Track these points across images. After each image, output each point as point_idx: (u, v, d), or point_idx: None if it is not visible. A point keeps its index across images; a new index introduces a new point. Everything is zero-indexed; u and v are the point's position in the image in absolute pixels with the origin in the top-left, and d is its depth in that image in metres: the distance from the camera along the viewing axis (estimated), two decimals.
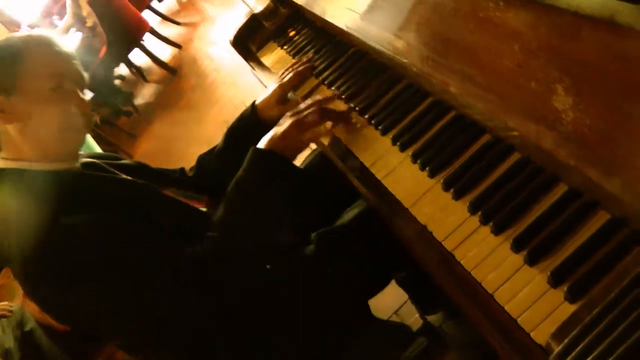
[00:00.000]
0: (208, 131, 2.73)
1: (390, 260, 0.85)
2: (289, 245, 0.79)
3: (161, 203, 0.76)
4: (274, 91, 0.93)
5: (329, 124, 0.83)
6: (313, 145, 0.93)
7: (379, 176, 0.74)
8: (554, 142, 0.53)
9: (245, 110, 0.95)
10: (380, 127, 0.79)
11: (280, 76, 0.98)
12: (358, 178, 0.76)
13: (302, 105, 0.83)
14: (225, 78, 3.08)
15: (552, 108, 0.52)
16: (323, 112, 0.80)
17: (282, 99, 0.94)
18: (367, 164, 0.76)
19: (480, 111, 0.65)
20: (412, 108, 0.78)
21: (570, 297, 0.48)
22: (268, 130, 0.80)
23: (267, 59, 1.18)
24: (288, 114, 0.81)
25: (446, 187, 0.65)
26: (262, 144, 0.78)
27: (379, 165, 0.75)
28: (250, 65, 1.20)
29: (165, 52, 3.72)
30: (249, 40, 1.24)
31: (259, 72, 1.16)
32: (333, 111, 0.83)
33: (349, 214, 0.88)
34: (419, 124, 0.75)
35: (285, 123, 0.79)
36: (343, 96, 0.89)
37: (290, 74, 0.96)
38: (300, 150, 0.79)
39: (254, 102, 0.95)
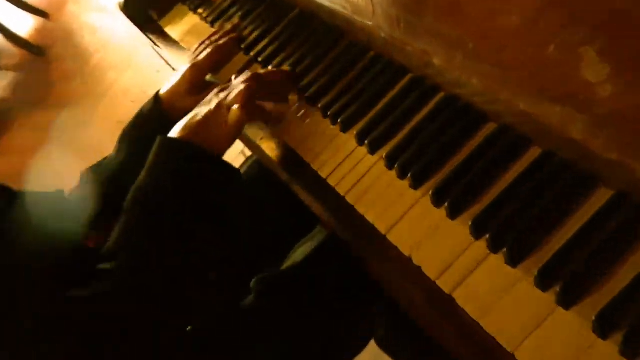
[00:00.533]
0: (93, 137, 2.66)
1: (364, 313, 0.84)
2: (222, 284, 0.78)
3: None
4: (185, 75, 0.92)
5: (269, 105, 0.82)
6: (248, 152, 0.92)
7: (340, 191, 0.72)
8: (586, 129, 0.51)
9: (146, 105, 0.93)
10: (339, 121, 0.77)
11: (194, 53, 0.97)
12: (312, 195, 0.75)
13: (234, 80, 0.82)
14: (116, 59, 3.02)
15: (582, 81, 0.51)
16: (262, 86, 0.80)
17: (197, 86, 0.92)
18: (322, 175, 0.75)
19: (479, 91, 0.64)
20: (382, 91, 0.77)
21: (630, 353, 0.47)
22: None
23: (174, 30, 1.17)
24: (215, 91, 0.82)
25: (437, 200, 0.64)
26: (174, 131, 0.77)
27: (339, 175, 0.73)
28: (151, 39, 1.18)
29: (24, 24, 3.58)
30: (148, 4, 1.22)
31: (163, 49, 1.15)
32: (276, 84, 0.83)
33: (301, 250, 0.86)
34: (393, 114, 0.74)
35: (209, 102, 0.79)
36: None
37: (208, 50, 0.95)
38: (231, 141, 0.78)
39: (157, 92, 0.94)
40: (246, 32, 1.00)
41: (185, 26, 1.15)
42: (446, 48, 0.65)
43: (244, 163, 1.05)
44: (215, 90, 0.82)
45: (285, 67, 0.90)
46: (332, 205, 0.73)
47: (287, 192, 0.80)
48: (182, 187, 0.73)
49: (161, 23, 1.20)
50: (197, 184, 0.74)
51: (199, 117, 0.77)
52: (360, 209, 0.69)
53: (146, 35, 1.21)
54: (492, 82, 0.61)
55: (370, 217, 0.68)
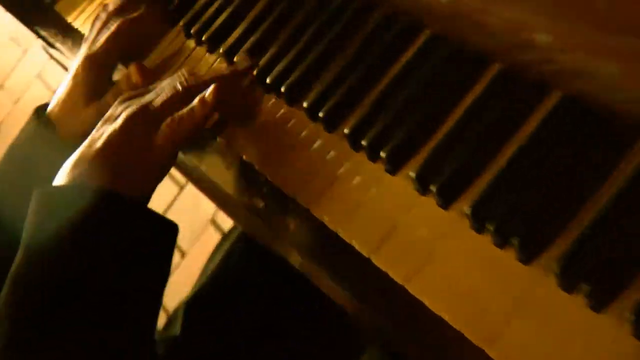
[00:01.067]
0: None
1: None
2: None
3: None
4: (78, 73, 0.97)
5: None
6: (225, 222, 0.95)
7: (398, 278, 0.70)
8: None
9: (27, 128, 0.98)
10: (385, 156, 0.75)
11: (90, 37, 1.02)
12: (348, 291, 0.74)
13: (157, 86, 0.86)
14: None
15: None
16: (195, 87, 0.84)
17: (100, 87, 0.97)
18: (362, 250, 0.73)
19: (617, 83, 0.64)
20: (452, 96, 0.76)
21: None
22: None
23: (81, 18, 1.21)
24: (120, 98, 0.86)
25: (595, 297, 0.60)
26: (61, 174, 0.78)
27: (393, 250, 0.71)
28: (43, 38, 1.21)
29: None
30: None
31: (66, 54, 1.19)
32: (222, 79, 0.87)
33: None
34: (475, 134, 0.72)
35: (113, 118, 0.82)
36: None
37: (113, 28, 0.99)
38: (158, 175, 0.81)
39: (37, 108, 0.99)
40: None
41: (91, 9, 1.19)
42: (560, 13, 0.66)
43: (222, 242, 1.04)
44: (120, 98, 0.85)
45: (243, 61, 0.93)
46: (383, 305, 0.71)
47: (304, 285, 0.79)
48: (87, 271, 0.73)
49: (59, 9, 1.24)
50: (112, 260, 0.74)
51: (100, 142, 0.78)
52: (446, 314, 0.67)
53: (34, 32, 1.23)
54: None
55: (464, 330, 0.65)
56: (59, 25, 1.22)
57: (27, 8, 1.27)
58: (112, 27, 0.99)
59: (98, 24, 1.01)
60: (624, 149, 0.65)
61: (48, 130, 0.93)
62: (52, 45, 1.22)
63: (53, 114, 0.96)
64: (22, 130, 0.97)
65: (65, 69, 1.24)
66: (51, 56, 1.25)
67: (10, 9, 1.28)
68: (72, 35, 1.21)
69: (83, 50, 0.99)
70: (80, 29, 1.20)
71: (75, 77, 0.96)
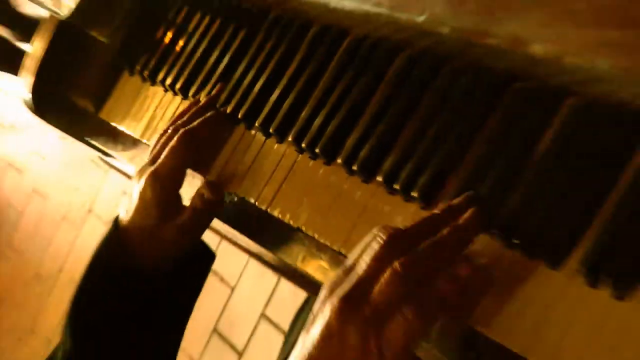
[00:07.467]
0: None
1: None
2: None
3: None
4: (146, 190, 1.01)
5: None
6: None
7: None
8: None
9: (100, 254, 1.02)
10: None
11: (151, 153, 1.06)
12: None
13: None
14: (40, 210, 3.03)
15: None
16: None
17: (170, 200, 1.03)
18: None
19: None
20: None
21: None
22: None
23: (127, 120, 1.26)
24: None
25: None
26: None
27: None
28: (93, 146, 1.28)
29: None
30: (70, 87, 1.33)
31: (120, 158, 1.25)
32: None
33: None
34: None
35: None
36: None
37: (174, 142, 1.03)
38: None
39: (115, 223, 1.03)
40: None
41: (146, 111, 1.23)
42: (546, 21, 0.68)
43: None
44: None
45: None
46: None
47: None
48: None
49: (103, 116, 1.29)
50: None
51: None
52: None
53: (85, 142, 1.28)
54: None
55: None
56: (106, 132, 1.28)
57: (75, 121, 1.33)
58: (174, 141, 1.00)
59: (162, 139, 1.04)
60: None
61: (124, 252, 0.99)
62: (106, 154, 1.28)
63: (127, 235, 1.00)
64: (101, 247, 1.01)
65: (126, 175, 1.26)
66: (111, 165, 1.25)
67: (55, 124, 1.34)
68: (122, 140, 1.26)
69: (146, 164, 1.02)
70: (127, 131, 1.25)
71: (143, 195, 0.99)
